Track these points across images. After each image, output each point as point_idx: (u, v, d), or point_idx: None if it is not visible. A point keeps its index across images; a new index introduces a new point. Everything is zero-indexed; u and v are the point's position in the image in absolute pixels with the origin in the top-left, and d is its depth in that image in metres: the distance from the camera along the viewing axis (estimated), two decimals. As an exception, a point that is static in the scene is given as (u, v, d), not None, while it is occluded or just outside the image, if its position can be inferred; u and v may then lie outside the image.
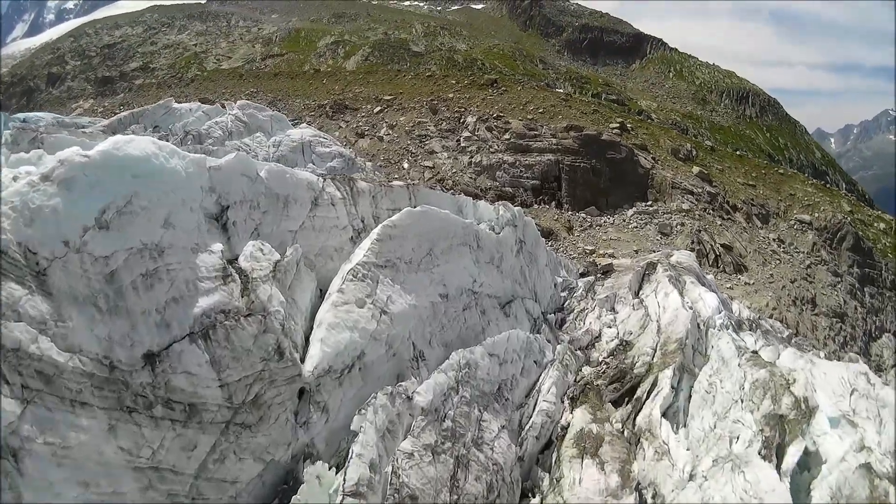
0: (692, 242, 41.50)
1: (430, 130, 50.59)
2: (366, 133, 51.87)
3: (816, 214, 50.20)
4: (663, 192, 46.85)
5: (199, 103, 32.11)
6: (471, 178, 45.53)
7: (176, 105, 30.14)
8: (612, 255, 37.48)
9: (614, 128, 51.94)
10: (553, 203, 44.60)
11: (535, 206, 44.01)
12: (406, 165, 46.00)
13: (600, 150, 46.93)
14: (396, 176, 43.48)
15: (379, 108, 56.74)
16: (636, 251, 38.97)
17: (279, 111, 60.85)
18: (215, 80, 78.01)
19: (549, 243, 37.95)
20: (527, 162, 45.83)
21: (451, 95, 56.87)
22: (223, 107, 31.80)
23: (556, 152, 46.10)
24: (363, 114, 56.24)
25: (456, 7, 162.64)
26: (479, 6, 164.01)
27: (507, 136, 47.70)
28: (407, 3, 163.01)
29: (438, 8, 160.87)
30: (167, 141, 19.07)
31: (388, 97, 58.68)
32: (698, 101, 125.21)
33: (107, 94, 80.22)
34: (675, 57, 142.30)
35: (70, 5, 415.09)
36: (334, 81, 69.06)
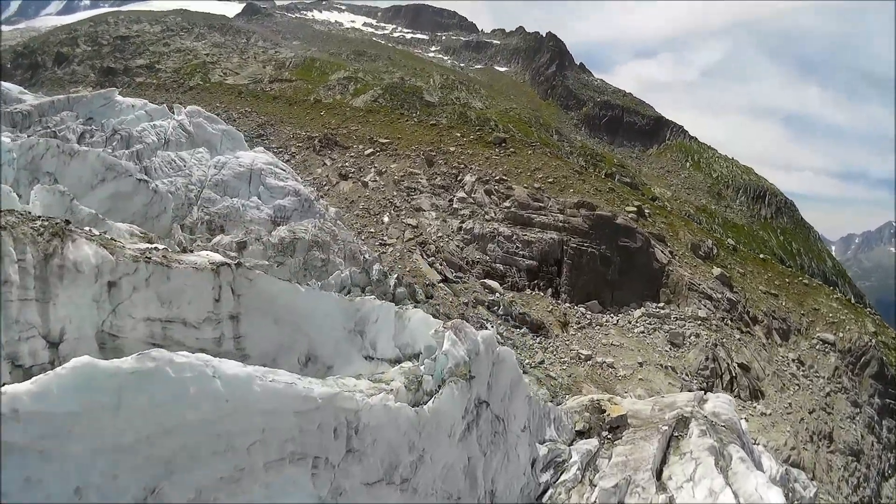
0: (707, 359, 36.22)
1: (421, 184, 44.85)
2: (350, 175, 46.37)
3: (841, 334, 45.35)
4: (678, 294, 41.00)
5: (146, 101, 26.16)
6: (458, 246, 39.42)
7: (119, 98, 25.87)
8: (610, 366, 31.58)
9: (631, 211, 45.92)
10: (549, 290, 38.48)
11: (528, 292, 37.98)
12: (386, 220, 40.28)
13: (613, 234, 41.04)
14: (372, 230, 37.70)
15: (371, 150, 51.24)
16: (640, 363, 33.30)
17: (267, 136, 56.17)
18: (214, 92, 74.72)
19: (538, 339, 31.83)
20: (526, 237, 39.73)
21: (452, 149, 51.13)
22: (171, 110, 25.63)
23: (562, 231, 40.17)
24: (352, 154, 50.78)
25: (479, 66, 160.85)
26: (503, 69, 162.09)
27: (507, 203, 41.71)
28: (431, 54, 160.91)
29: (462, 64, 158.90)
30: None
31: (384, 140, 53.20)
32: (713, 195, 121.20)
33: (106, 84, 76.62)
34: (694, 146, 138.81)
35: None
36: (332, 115, 64.22)
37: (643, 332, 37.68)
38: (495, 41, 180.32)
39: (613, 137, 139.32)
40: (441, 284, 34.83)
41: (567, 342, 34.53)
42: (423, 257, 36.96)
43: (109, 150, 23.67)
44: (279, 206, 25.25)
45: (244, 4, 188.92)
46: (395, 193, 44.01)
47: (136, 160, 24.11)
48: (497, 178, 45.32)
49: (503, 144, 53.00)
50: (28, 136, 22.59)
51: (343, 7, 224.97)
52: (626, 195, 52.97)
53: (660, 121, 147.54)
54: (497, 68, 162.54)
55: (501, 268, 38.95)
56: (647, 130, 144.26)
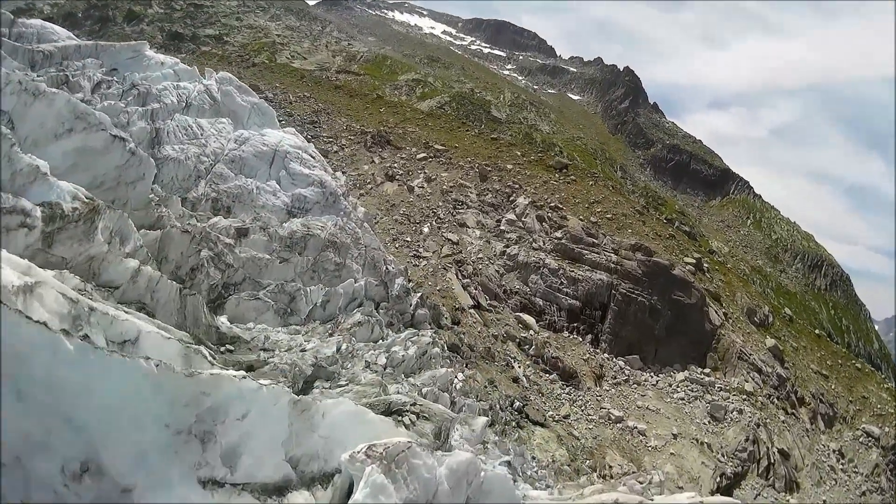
0: (747, 439, 32.55)
1: (470, 198, 41.66)
2: (396, 177, 43.48)
3: (886, 429, 41.68)
4: (726, 361, 37.35)
5: (177, 61, 23.56)
6: (497, 272, 36.06)
7: (149, 52, 23.27)
8: (642, 433, 28.30)
9: (689, 263, 42.08)
10: (589, 337, 34.92)
11: (566, 334, 34.45)
12: (426, 230, 37.21)
13: (667, 285, 37.39)
14: (408, 239, 34.70)
15: (424, 154, 48.25)
16: (675, 435, 29.78)
17: (319, 124, 53.66)
18: (276, 72, 72.96)
19: (567, 389, 28.42)
20: (573, 274, 36.21)
21: (509, 166, 47.86)
22: (202, 73, 22.91)
23: (613, 273, 36.65)
24: (403, 156, 47.86)
25: (552, 91, 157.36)
26: (576, 97, 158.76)
27: (559, 234, 38.27)
28: (507, 72, 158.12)
29: (535, 86, 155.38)
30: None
31: (440, 147, 50.16)
32: (770, 257, 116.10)
33: (171, 49, 77.04)
34: (757, 204, 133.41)
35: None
36: (392, 112, 61.58)
37: (683, 399, 33.93)
38: (572, 68, 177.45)
39: (677, 183, 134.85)
40: (472, 311, 31.52)
41: (599, 398, 30.95)
42: (457, 277, 33.69)
43: (122, 105, 21.12)
44: (298, 196, 22.26)
45: None
46: (440, 204, 40.92)
47: (150, 120, 21.37)
48: (552, 204, 41.88)
49: (564, 170, 49.52)
50: (36, 77, 20.45)
51: (424, 12, 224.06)
52: (686, 245, 49.11)
53: (726, 173, 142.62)
54: (570, 95, 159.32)
55: (541, 303, 35.48)
56: (713, 181, 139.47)
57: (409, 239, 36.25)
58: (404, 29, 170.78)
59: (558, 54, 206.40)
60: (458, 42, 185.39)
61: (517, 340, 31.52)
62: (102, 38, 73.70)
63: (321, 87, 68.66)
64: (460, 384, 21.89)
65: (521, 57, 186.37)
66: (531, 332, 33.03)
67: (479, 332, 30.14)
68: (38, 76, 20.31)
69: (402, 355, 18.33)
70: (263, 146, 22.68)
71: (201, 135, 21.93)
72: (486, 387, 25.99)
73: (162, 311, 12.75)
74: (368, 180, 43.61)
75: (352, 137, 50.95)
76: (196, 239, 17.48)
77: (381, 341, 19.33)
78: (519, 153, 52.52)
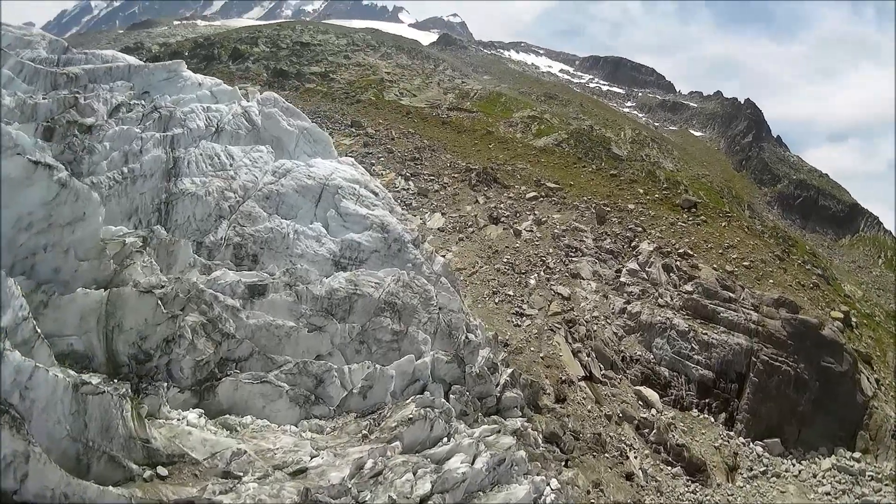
0: None
1: (585, 244, 35.98)
2: (502, 220, 38.44)
3: None
4: (878, 441, 30.21)
5: (219, 82, 19.47)
6: (615, 334, 30.08)
7: (186, 73, 20.43)
8: None
9: (837, 318, 34.48)
10: (722, 416, 28.37)
11: (694, 413, 28.22)
12: (532, 282, 31.96)
13: (815, 349, 30.66)
14: (510, 293, 29.99)
15: (534, 194, 42.97)
16: None
17: (421, 161, 49.23)
18: (381, 109, 70.22)
19: (692, 487, 22.61)
20: (706, 337, 29.82)
21: (630, 206, 41.76)
22: (245, 96, 18.71)
23: (753, 335, 30.15)
24: (511, 195, 42.74)
25: (674, 128, 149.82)
26: (698, 133, 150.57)
27: (689, 286, 31.94)
28: (626, 109, 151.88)
29: (656, 123, 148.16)
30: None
31: (553, 185, 44.78)
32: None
33: (275, 86, 75.21)
34: (889, 242, 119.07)
35: (310, 8, 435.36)
36: (502, 149, 56.91)
37: (829, 494, 26.80)
38: (692, 104, 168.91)
39: (806, 221, 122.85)
40: (582, 384, 25.66)
41: (730, 497, 24.47)
42: (567, 341, 27.90)
43: (138, 131, 17.35)
44: (351, 243, 17.41)
45: (439, 34, 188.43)
46: (550, 251, 35.36)
47: (168, 147, 17.34)
48: (681, 251, 35.51)
49: (693, 209, 42.83)
50: (42, 99, 16.86)
51: (541, 51, 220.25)
52: (831, 295, 41.08)
53: (855, 208, 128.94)
54: (692, 132, 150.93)
55: (667, 373, 29.12)
56: (841, 218, 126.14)
57: (511, 293, 30.88)
58: (520, 67, 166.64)
59: (677, 90, 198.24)
60: (576, 80, 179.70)
61: (635, 422, 25.41)
62: (206, 73, 73.33)
63: (427, 123, 65.01)
64: (552, 496, 16.03)
65: (640, 94, 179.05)
66: (653, 411, 26.75)
67: (588, 412, 24.27)
68: (42, 98, 16.89)
69: (463, 473, 12.71)
70: (309, 179, 18.06)
71: (230, 165, 17.56)
72: (588, 492, 19.89)
73: (42, 419, 8.34)
74: (470, 223, 38.61)
75: (455, 175, 46.26)
76: (175, 300, 13.12)
77: (440, 444, 13.85)
78: (641, 191, 46.33)
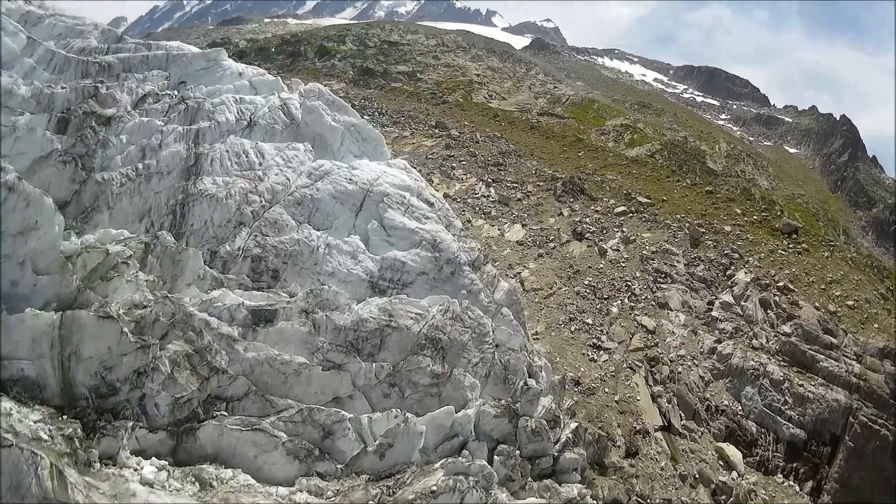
0: None
1: (676, 269, 32.54)
2: (587, 236, 35.32)
3: None
4: None
5: (263, 72, 17.57)
6: (702, 377, 26.65)
7: (226, 62, 18.82)
8: None
9: (945, 373, 29.97)
10: (808, 485, 24.45)
11: (779, 479, 24.46)
12: (614, 310, 28.93)
13: (922, 413, 26.13)
14: (589, 321, 27.84)
15: (623, 208, 39.62)
16: None
17: (505, 166, 46.44)
18: (468, 110, 67.74)
19: None
20: (802, 390, 26.11)
21: (727, 228, 37.82)
22: (288, 84, 16.63)
23: (853, 391, 26.27)
24: (599, 208, 39.53)
25: (768, 143, 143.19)
26: (793, 150, 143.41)
27: (788, 327, 28.18)
28: (721, 122, 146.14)
29: (751, 138, 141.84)
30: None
31: (644, 199, 41.28)
32: None
33: (360, 84, 74.09)
34: None
35: (402, 10, 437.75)
36: (591, 157, 53.70)
37: None
38: (787, 118, 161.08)
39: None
40: (659, 435, 22.30)
41: None
42: (647, 383, 24.55)
43: (160, 124, 15.59)
44: (393, 262, 14.78)
45: (532, 38, 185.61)
46: (637, 274, 31.99)
47: (192, 142, 15.28)
48: (780, 284, 31.53)
49: (793, 235, 38.52)
50: (61, 88, 15.79)
51: (635, 59, 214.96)
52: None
53: None
54: (787, 148, 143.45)
55: (754, 430, 25.19)
56: None
57: (590, 321, 27.74)
58: (614, 75, 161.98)
59: (772, 103, 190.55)
60: (670, 90, 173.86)
61: (712, 486, 21.78)
62: (293, 72, 73.76)
63: (515, 127, 62.19)
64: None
65: (734, 106, 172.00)
66: (733, 474, 22.99)
67: (660, 471, 20.96)
68: (61, 87, 15.71)
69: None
70: (349, 184, 15.55)
71: (259, 164, 15.26)
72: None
73: None
74: (552, 237, 35.61)
75: (540, 184, 43.26)
76: (154, 325, 11.21)
77: (472, 525, 11.06)
78: (739, 211, 42.22)
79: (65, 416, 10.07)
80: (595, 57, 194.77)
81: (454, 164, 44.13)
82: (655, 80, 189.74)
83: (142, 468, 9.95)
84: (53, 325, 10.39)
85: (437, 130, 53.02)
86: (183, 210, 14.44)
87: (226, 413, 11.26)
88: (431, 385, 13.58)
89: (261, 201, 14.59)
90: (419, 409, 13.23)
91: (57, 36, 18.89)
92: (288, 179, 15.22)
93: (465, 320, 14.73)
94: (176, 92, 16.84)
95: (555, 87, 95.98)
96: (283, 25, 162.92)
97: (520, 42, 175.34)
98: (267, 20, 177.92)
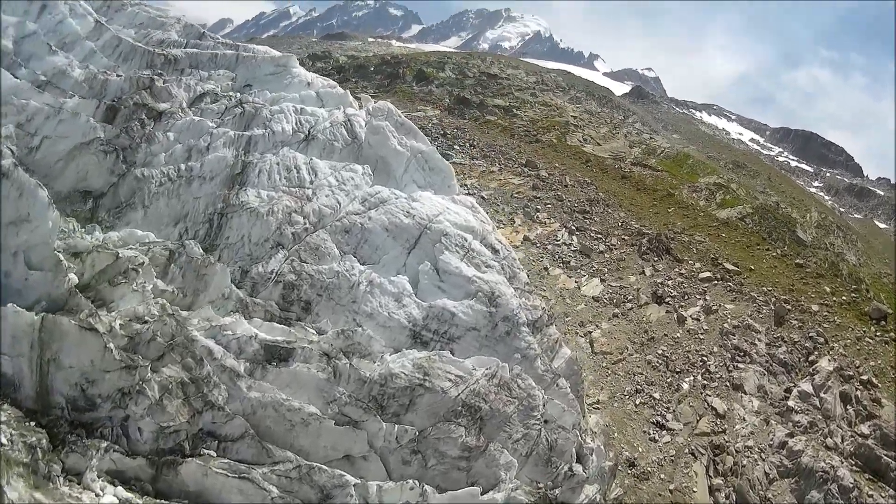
0: None
1: (757, 348, 30.15)
2: (667, 300, 33.20)
3: None
4: None
5: (331, 82, 16.41)
6: (766, 474, 23.99)
7: (296, 69, 17.91)
8: None
9: None
10: None
11: None
12: (685, 387, 26.77)
13: None
14: (656, 395, 26.27)
15: (708, 274, 37.36)
16: None
17: (591, 215, 44.63)
18: (560, 152, 66.13)
19: None
20: (870, 501, 23.29)
21: (814, 307, 35.05)
22: (357, 100, 15.34)
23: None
24: (683, 271, 37.35)
25: (858, 216, 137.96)
26: (883, 225, 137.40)
27: (867, 427, 25.47)
28: (814, 189, 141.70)
29: (842, 209, 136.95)
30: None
31: (730, 266, 38.93)
32: None
33: (455, 113, 73.94)
34: None
35: (507, 45, 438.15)
36: (681, 215, 51.39)
37: None
38: (879, 191, 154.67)
39: None
40: (711, 535, 20.01)
41: None
42: (707, 473, 22.20)
43: (212, 126, 14.62)
44: (441, 312, 13.15)
45: (632, 86, 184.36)
46: (715, 349, 29.60)
47: (241, 149, 14.09)
48: (864, 377, 28.70)
49: (882, 322, 35.39)
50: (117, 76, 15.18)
51: (732, 116, 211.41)
52: None
53: None
54: (876, 222, 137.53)
55: (808, 547, 22.54)
56: None
57: (657, 395, 25.60)
58: (711, 130, 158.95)
59: (865, 173, 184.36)
60: (765, 151, 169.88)
61: None
62: (389, 93, 73.93)
63: (606, 174, 60.26)
64: None
65: (828, 174, 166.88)
66: None
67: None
68: (117, 75, 15.02)
69: None
70: (406, 217, 14.02)
71: (310, 182, 13.93)
72: None
73: None
74: (630, 297, 33.57)
75: (625, 237, 41.23)
76: (149, 344, 10.11)
77: None
78: (828, 289, 39.24)
79: (33, 423, 9.14)
80: (693, 111, 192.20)
81: (539, 207, 42.60)
82: (752, 140, 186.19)
83: (104, 494, 8.92)
84: (34, 326, 9.40)
85: (526, 169, 51.72)
86: (220, 221, 13.25)
87: (214, 453, 9.91)
88: (461, 458, 11.82)
89: (304, 223, 13.25)
90: (442, 482, 11.53)
91: (138, 25, 18.37)
92: (338, 203, 13.85)
93: (514, 389, 12.94)
94: (237, 94, 15.80)
95: (651, 138, 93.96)
96: (386, 46, 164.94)
97: (620, 88, 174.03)
98: (371, 39, 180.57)
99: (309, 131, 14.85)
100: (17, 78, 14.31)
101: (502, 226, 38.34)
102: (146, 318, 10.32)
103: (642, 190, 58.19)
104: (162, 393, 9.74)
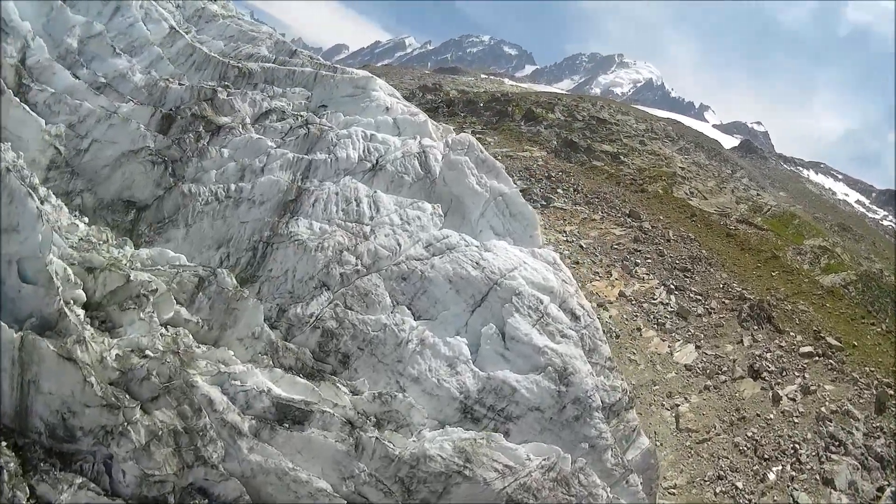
0: None
1: (853, 438, 28.01)
2: (763, 375, 30.93)
3: None
4: None
5: (413, 109, 15.73)
6: None
7: (375, 91, 16.29)
8: None
9: None
10: None
11: None
12: (772, 477, 24.69)
13: None
14: (738, 484, 23.54)
15: (809, 349, 34.71)
16: None
17: (692, 273, 42.26)
18: (665, 203, 63.79)
19: None
20: None
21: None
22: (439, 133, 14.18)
23: None
24: (783, 343, 34.86)
25: None
26: None
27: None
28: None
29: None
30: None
31: (832, 341, 36.00)
32: None
33: (561, 156, 72.77)
34: None
35: (618, 90, 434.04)
36: (785, 280, 48.27)
37: None
38: None
39: None
40: None
41: None
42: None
43: (271, 146, 13.50)
44: (500, 386, 11.26)
45: (741, 140, 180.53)
46: (808, 436, 26.92)
47: (300, 174, 12.77)
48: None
49: None
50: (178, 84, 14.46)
51: (839, 176, 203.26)
52: None
53: None
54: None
55: None
56: None
57: (740, 485, 23.18)
58: (817, 190, 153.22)
59: None
60: (870, 214, 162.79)
61: None
62: (496, 130, 73.73)
63: (711, 231, 57.52)
64: None
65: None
66: None
67: None
68: (179, 83, 14.72)
69: None
70: (475, 269, 12.28)
71: (370, 218, 12.48)
72: None
73: None
74: (725, 368, 31.11)
75: (726, 301, 38.57)
76: (142, 383, 9.07)
77: None
78: (935, 373, 35.98)
79: (5, 443, 8.35)
80: (801, 168, 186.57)
81: (639, 261, 40.52)
82: (857, 201, 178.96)
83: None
84: (14, 344, 8.50)
85: (629, 219, 49.71)
86: (265, 250, 11.98)
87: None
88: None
89: (356, 264, 11.76)
90: None
91: (228, 38, 17.68)
92: (399, 244, 12.28)
93: (573, 486, 10.90)
94: (301, 114, 14.61)
95: (758, 195, 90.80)
96: (498, 84, 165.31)
97: (728, 141, 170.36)
98: (483, 76, 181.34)
99: (377, 161, 13.43)
100: (77, 78, 13.74)
101: (598, 278, 36.58)
102: (148, 351, 9.13)
103: (746, 250, 55.37)
104: (150, 438, 8.58)
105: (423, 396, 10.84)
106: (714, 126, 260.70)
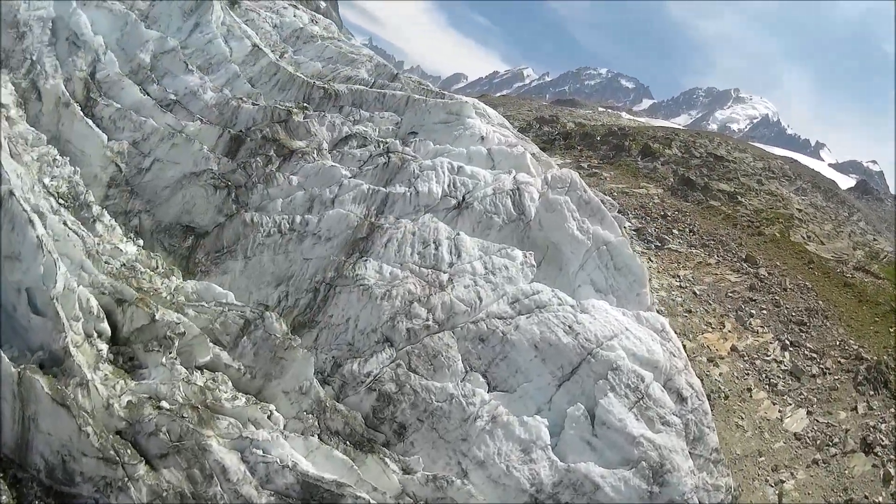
0: None
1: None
2: (876, 450, 27.78)
3: None
4: None
5: (512, 141, 13.47)
6: None
7: (470, 120, 14.50)
8: None
9: None
10: None
11: None
12: None
13: None
14: None
15: (936, 428, 30.77)
16: None
17: (807, 328, 38.90)
18: (783, 249, 59.51)
19: None
20: None
21: None
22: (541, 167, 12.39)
23: None
24: None
25: None
26: None
27: None
28: None
29: None
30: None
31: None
32: None
33: (678, 194, 69.51)
34: None
35: (735, 126, 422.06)
36: (911, 338, 43.60)
37: None
38: None
39: None
40: None
41: None
42: None
43: (346, 174, 12.17)
44: (580, 482, 9.28)
45: (857, 180, 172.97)
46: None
47: (375, 209, 11.47)
48: None
49: None
50: (250, 105, 13.33)
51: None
52: None
53: None
54: None
55: None
56: None
57: None
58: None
59: None
60: None
61: None
62: (612, 165, 72.08)
63: (829, 280, 53.42)
64: None
65: None
66: None
67: None
68: (252, 103, 13.48)
69: None
70: (567, 334, 10.42)
71: (449, 264, 10.87)
72: None
73: None
74: (837, 439, 27.88)
75: (841, 360, 34.97)
76: (150, 438, 8.10)
77: None
78: None
79: (2, 475, 7.76)
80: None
81: (753, 311, 37.40)
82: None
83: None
84: (13, 379, 7.74)
85: (745, 265, 46.48)
86: (327, 293, 10.53)
87: None
88: None
89: (427, 318, 10.11)
90: None
91: (326, 59, 16.56)
92: (479, 298, 10.54)
93: None
94: (389, 140, 13.08)
95: (874, 239, 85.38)
96: (615, 117, 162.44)
97: (844, 181, 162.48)
98: (601, 109, 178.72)
99: (463, 197, 11.78)
100: (147, 94, 12.85)
101: (711, 329, 33.86)
102: (164, 402, 7.89)
103: (864, 301, 50.82)
104: (152, 498, 7.57)
105: (486, 483, 9.03)
106: (830, 165, 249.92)
